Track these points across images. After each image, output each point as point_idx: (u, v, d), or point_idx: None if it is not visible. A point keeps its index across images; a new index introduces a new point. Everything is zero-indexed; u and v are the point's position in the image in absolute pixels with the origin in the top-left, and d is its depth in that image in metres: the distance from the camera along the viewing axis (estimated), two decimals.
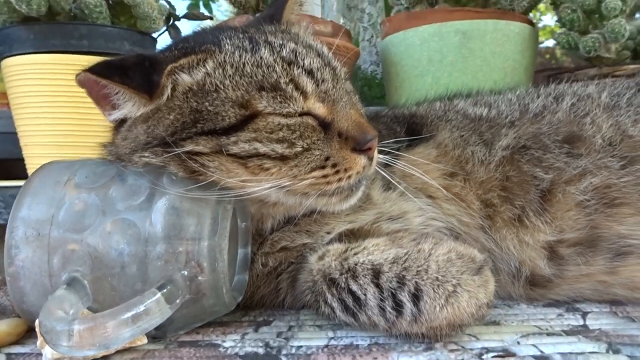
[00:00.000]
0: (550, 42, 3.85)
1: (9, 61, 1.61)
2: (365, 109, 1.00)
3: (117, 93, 0.80)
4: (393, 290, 0.74)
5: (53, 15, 1.57)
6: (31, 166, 1.69)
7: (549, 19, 4.10)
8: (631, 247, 0.91)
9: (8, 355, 0.76)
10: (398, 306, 0.73)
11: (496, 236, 0.97)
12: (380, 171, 0.94)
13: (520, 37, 1.71)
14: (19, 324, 0.81)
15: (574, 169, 0.95)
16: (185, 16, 1.91)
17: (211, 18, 1.95)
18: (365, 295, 0.76)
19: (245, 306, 0.97)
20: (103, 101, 0.82)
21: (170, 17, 1.83)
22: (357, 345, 0.76)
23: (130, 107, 0.81)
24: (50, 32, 1.56)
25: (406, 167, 0.96)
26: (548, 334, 0.80)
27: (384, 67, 1.95)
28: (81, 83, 0.79)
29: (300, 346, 0.77)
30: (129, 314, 0.67)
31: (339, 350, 0.75)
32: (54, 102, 1.58)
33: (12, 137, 2.00)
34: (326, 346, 0.77)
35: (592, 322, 0.85)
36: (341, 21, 3.07)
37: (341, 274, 0.79)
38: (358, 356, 0.72)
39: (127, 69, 0.79)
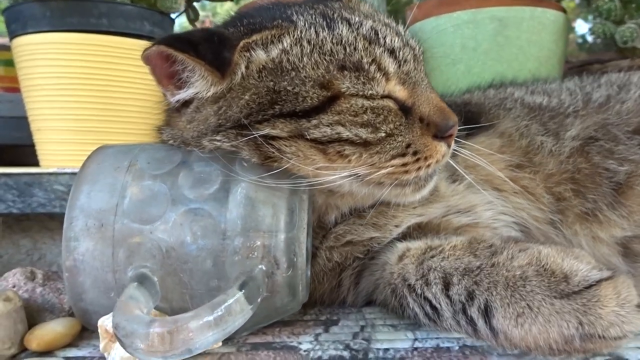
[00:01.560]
0: None
1: (21, 40, 1.50)
2: None
3: (189, 70, 0.72)
4: (463, 304, 0.67)
5: None
6: (43, 152, 1.59)
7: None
8: None
9: (67, 359, 0.69)
10: (471, 320, 0.67)
11: (567, 231, 0.92)
12: (452, 163, 0.88)
13: (555, 26, 1.66)
14: (74, 324, 0.73)
15: None
16: None
17: None
18: (440, 305, 0.69)
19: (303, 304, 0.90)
20: (167, 80, 0.75)
21: None
22: (448, 348, 0.70)
23: (202, 85, 0.73)
24: (67, 10, 1.45)
25: (471, 157, 0.90)
26: None
27: None
28: (148, 58, 0.71)
29: (387, 349, 0.71)
30: (212, 316, 0.60)
31: (430, 354, 0.69)
32: (71, 84, 1.48)
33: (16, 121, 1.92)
34: (415, 349, 0.71)
35: None
36: None
37: (417, 280, 0.73)
38: None
39: (198, 44, 0.71)
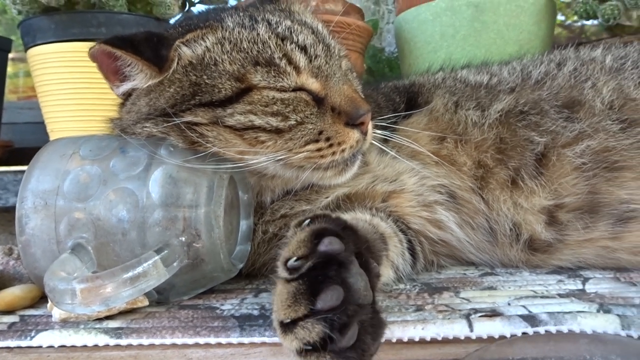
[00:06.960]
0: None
1: (33, 51, 1.68)
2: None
3: (129, 65, 0.84)
4: None
5: (72, 5, 1.63)
6: None
7: None
8: (634, 212, 0.90)
9: (22, 317, 0.82)
10: None
11: (488, 197, 0.97)
12: (376, 144, 0.96)
13: (536, 8, 1.67)
14: (32, 289, 0.86)
15: (570, 132, 0.94)
16: (202, 1, 1.94)
17: (226, 1, 1.98)
18: None
19: (248, 274, 1.00)
20: (112, 75, 0.87)
21: (186, 2, 1.86)
22: None
23: (140, 79, 0.86)
24: (69, 21, 1.61)
25: (399, 140, 0.97)
26: (542, 297, 0.80)
27: (398, 45, 1.94)
28: (94, 56, 0.84)
29: None
30: (127, 275, 0.71)
31: None
32: (76, 89, 1.64)
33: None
34: None
35: (591, 287, 0.85)
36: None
37: None
38: None
39: (138, 43, 0.83)
